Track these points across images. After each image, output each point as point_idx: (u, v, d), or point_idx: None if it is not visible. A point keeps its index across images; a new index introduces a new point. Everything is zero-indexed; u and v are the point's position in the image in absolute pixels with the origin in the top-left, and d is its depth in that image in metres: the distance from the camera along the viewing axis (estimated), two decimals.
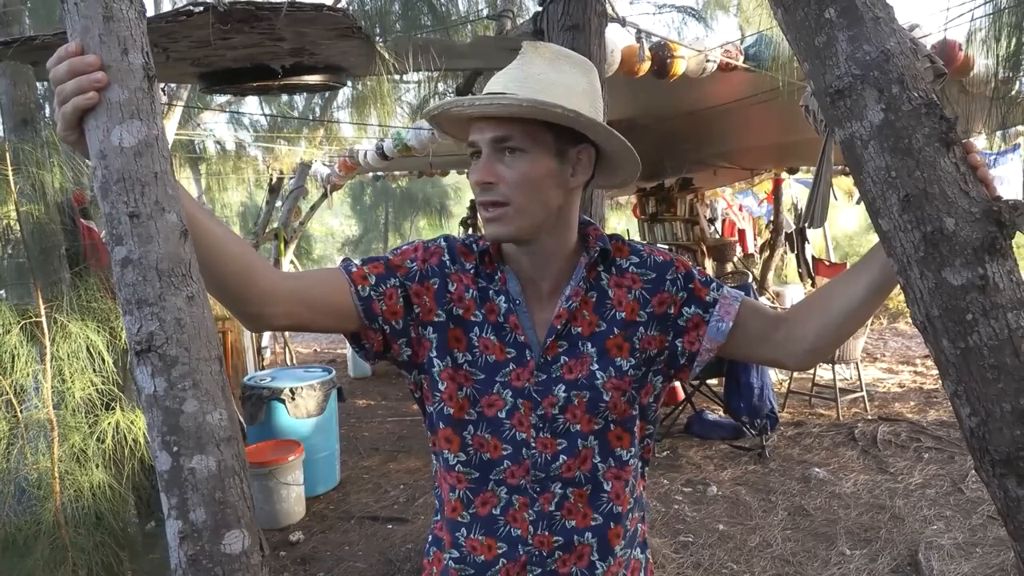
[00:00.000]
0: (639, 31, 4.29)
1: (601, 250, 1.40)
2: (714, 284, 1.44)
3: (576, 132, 1.30)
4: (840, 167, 6.65)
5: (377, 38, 3.67)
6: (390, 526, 4.94)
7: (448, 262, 1.41)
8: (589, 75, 1.35)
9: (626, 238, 1.48)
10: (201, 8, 2.47)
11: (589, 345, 1.37)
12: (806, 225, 2.44)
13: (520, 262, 1.39)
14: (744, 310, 1.42)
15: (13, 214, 3.03)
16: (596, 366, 1.36)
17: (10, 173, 2.93)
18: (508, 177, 1.28)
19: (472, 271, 1.40)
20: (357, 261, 1.42)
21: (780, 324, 1.44)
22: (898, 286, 1.23)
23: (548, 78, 1.29)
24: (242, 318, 1.30)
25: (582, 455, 1.37)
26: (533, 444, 1.36)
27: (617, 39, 4.24)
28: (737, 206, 14.52)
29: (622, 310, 1.39)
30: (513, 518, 1.38)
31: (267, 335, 9.90)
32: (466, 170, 11.74)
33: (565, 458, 1.36)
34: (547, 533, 1.37)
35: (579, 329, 1.37)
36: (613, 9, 3.81)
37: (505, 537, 1.38)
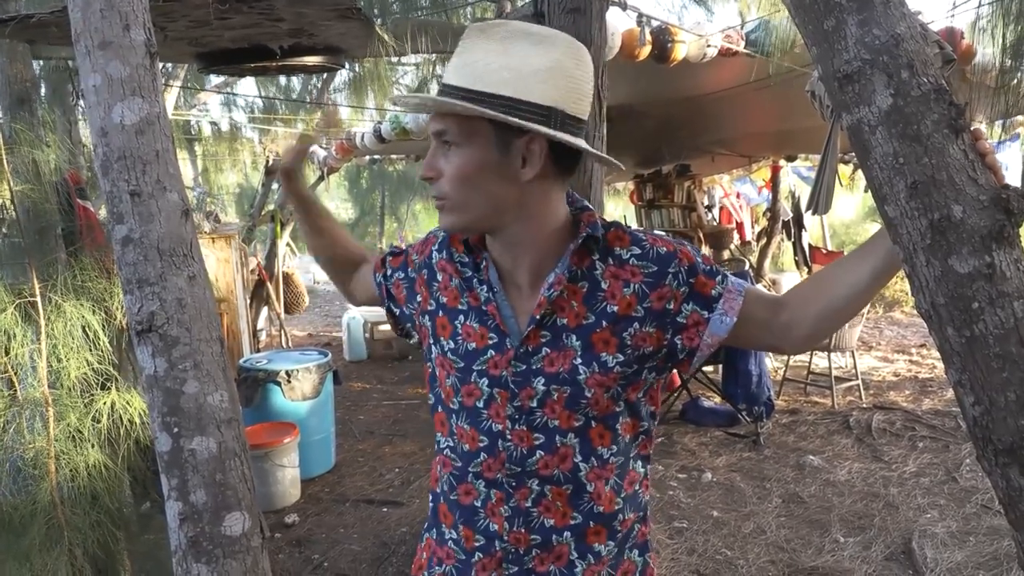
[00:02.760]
0: (640, 15, 4.27)
1: (591, 237, 1.32)
2: (719, 276, 1.36)
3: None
4: (841, 154, 6.64)
5: (376, 19, 3.65)
6: (385, 509, 4.95)
7: (435, 251, 1.45)
8: (553, 53, 1.23)
9: (628, 227, 1.40)
10: None
11: (574, 338, 1.31)
12: (811, 212, 2.42)
13: (498, 251, 1.36)
14: (748, 301, 1.36)
15: (7, 193, 3.01)
16: (579, 360, 1.30)
17: (3, 153, 2.90)
18: (445, 171, 1.27)
19: (462, 259, 1.39)
20: (387, 251, 1.65)
21: (781, 310, 1.38)
22: (899, 271, 1.22)
23: (486, 63, 1.22)
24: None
25: (561, 453, 1.31)
26: (509, 436, 1.32)
27: (618, 23, 4.21)
28: (735, 194, 14.49)
29: (615, 303, 1.31)
30: (491, 512, 1.35)
31: (262, 318, 9.90)
32: None
33: (542, 454, 1.31)
34: (523, 530, 1.34)
35: (565, 320, 1.31)
36: None
37: (483, 530, 1.36)
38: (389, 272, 1.56)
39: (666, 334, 1.34)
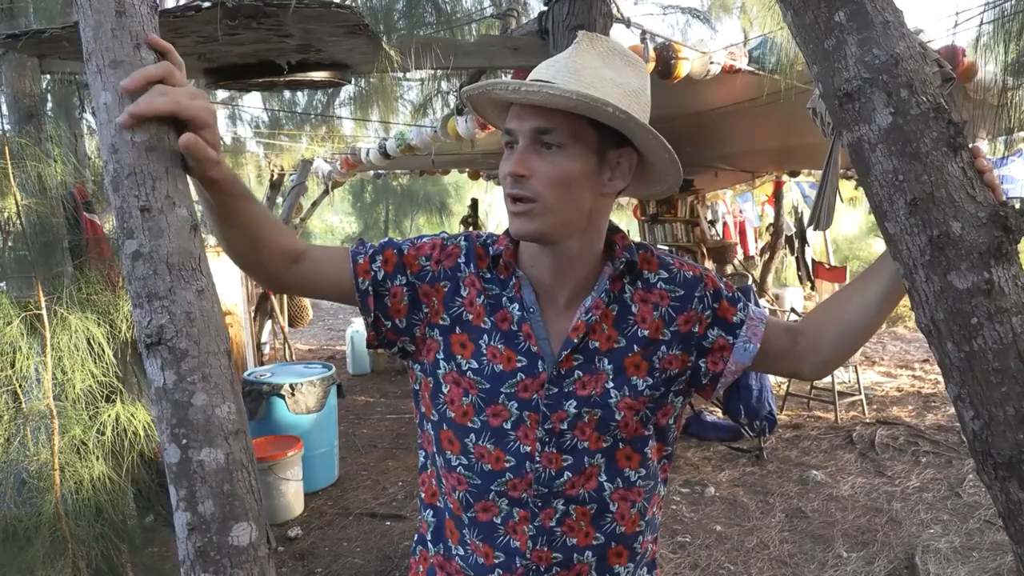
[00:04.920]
0: (644, 32, 4.29)
1: (627, 261, 1.34)
2: (741, 303, 1.39)
3: (620, 134, 1.24)
4: (843, 170, 6.65)
5: (381, 35, 3.67)
6: (388, 523, 4.95)
7: (463, 264, 1.37)
8: (642, 77, 1.29)
9: (655, 250, 1.41)
10: (209, 4, 2.48)
11: (606, 361, 1.31)
12: (812, 228, 2.44)
13: (540, 266, 1.34)
14: (768, 330, 1.39)
15: (13, 207, 3.03)
16: (611, 384, 1.30)
17: (9, 167, 2.92)
18: (542, 172, 1.22)
19: (485, 276, 1.36)
20: (371, 247, 1.40)
21: (798, 337, 1.41)
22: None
23: (600, 74, 1.23)
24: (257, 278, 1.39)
25: (587, 472, 1.32)
26: (538, 458, 1.30)
27: (622, 39, 4.23)
28: (736, 209, 14.50)
29: (645, 327, 1.33)
30: (513, 530, 1.33)
31: (266, 331, 9.90)
32: (467, 169, 11.63)
33: (570, 475, 1.31)
34: (546, 549, 1.33)
35: (596, 344, 1.32)
36: (618, 9, 3.82)
37: (504, 547, 1.34)
38: (381, 277, 1.36)
39: (691, 356, 1.36)
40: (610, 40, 1.29)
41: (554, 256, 1.32)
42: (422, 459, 1.48)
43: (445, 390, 1.36)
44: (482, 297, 1.35)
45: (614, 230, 1.39)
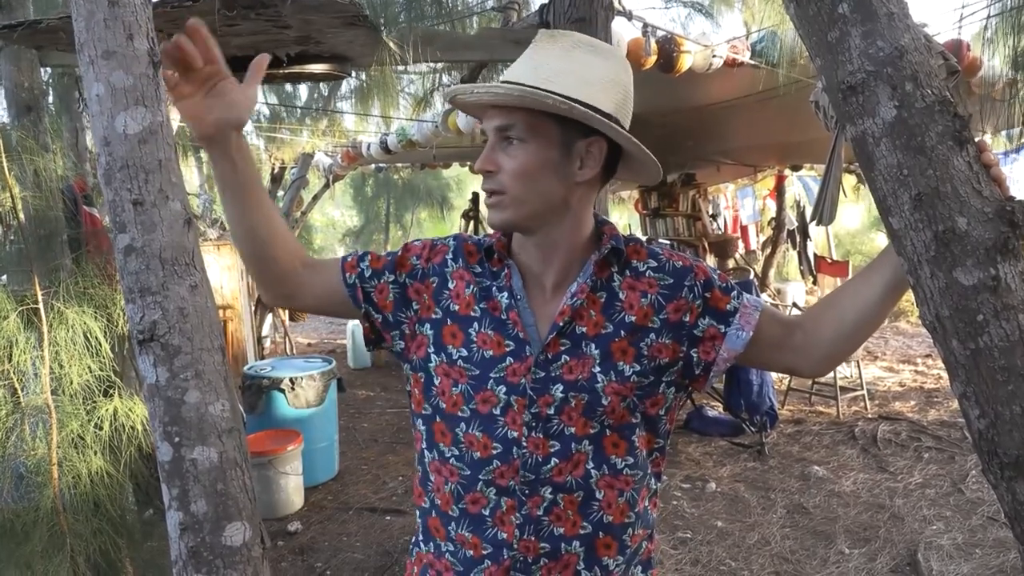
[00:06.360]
0: (645, 25, 4.27)
1: (613, 249, 1.36)
2: (735, 292, 1.39)
3: (586, 124, 1.27)
4: (847, 164, 6.63)
5: (381, 29, 3.65)
6: (388, 517, 4.94)
7: (450, 260, 1.42)
8: (613, 64, 1.32)
9: (645, 242, 1.44)
10: None
11: (593, 346, 1.33)
12: (815, 222, 2.42)
13: (527, 254, 1.38)
14: (763, 319, 1.38)
15: (9, 201, 3.01)
16: (598, 368, 1.32)
17: (3, 160, 2.91)
18: (506, 166, 1.29)
19: (475, 269, 1.40)
20: (361, 252, 1.49)
21: (796, 330, 1.40)
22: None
23: (556, 67, 1.27)
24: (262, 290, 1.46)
25: (574, 459, 1.32)
26: (524, 443, 1.31)
27: (624, 32, 4.22)
28: (736, 204, 14.44)
29: (632, 314, 1.34)
30: (500, 520, 1.34)
31: (267, 325, 9.90)
32: (469, 163, 11.68)
33: (557, 461, 1.31)
34: (533, 539, 1.33)
35: (584, 329, 1.33)
36: (620, 3, 3.80)
37: (491, 539, 1.34)
38: (368, 274, 1.43)
39: (682, 346, 1.37)
40: (577, 35, 1.33)
41: (537, 243, 1.36)
42: (416, 461, 1.49)
43: (436, 382, 1.38)
44: (472, 287, 1.39)
45: (604, 222, 1.42)
